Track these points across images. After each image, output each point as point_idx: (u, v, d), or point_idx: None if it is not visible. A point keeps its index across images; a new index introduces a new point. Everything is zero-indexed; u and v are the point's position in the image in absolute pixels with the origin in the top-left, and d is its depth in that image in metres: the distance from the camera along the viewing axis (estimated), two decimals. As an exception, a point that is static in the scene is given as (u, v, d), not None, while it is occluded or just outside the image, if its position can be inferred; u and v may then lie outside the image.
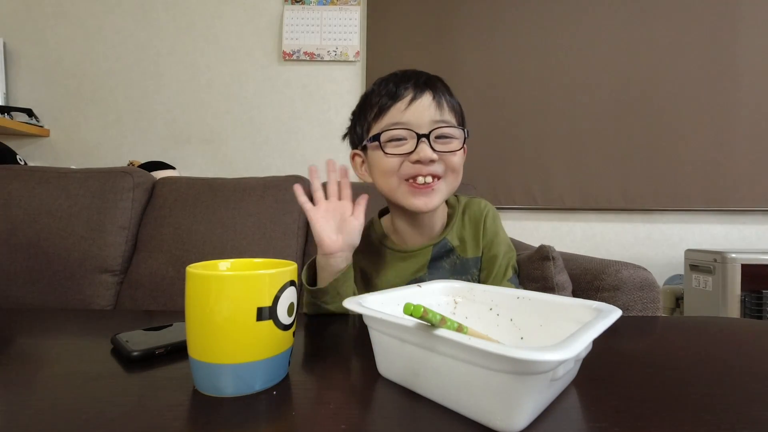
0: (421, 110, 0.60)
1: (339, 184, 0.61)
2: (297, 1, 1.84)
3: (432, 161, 0.59)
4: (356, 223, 0.59)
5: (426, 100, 0.61)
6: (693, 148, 1.75)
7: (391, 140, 0.61)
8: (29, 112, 1.76)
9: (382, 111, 0.62)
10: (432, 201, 0.61)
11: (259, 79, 1.85)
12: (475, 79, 1.76)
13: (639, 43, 1.78)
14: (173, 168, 1.67)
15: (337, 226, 0.59)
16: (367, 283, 0.70)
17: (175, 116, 1.85)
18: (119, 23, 1.85)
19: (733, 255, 1.47)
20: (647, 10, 1.78)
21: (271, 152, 1.85)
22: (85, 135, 1.85)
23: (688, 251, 1.64)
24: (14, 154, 1.53)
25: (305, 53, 1.83)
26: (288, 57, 1.83)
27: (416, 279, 0.68)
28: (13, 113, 1.73)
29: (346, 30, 1.83)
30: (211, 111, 1.85)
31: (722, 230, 1.81)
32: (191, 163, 1.84)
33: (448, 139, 0.62)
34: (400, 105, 0.61)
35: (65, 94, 1.85)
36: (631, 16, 1.78)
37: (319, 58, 1.83)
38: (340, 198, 0.61)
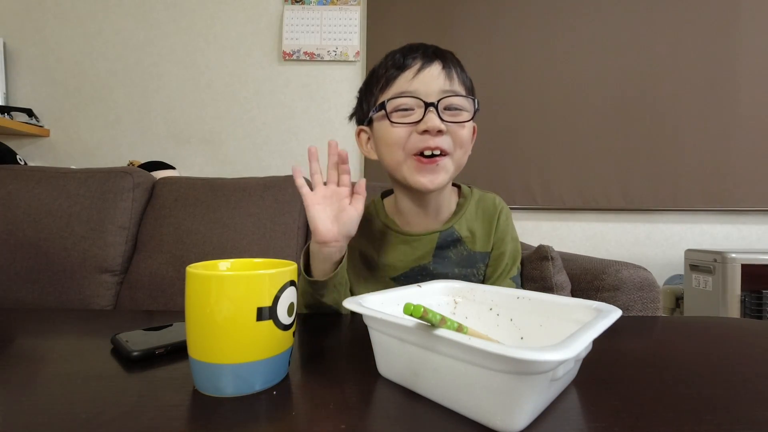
0: (429, 79, 0.58)
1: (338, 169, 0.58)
2: (297, 1, 1.84)
3: (440, 132, 0.57)
4: (354, 213, 0.56)
5: (435, 69, 0.59)
6: (693, 148, 1.75)
7: (397, 109, 0.58)
8: (29, 112, 1.76)
9: (389, 81, 0.60)
10: (437, 178, 0.59)
11: (259, 79, 1.85)
12: (475, 78, 1.74)
13: (639, 43, 1.78)
14: (173, 168, 1.67)
15: (334, 214, 0.56)
16: (368, 266, 0.68)
17: (175, 116, 1.85)
18: (119, 23, 1.85)
19: (733, 255, 1.47)
20: (648, 10, 1.78)
21: (271, 152, 1.85)
22: (85, 135, 1.85)
23: (688, 251, 1.64)
24: (14, 154, 1.53)
25: (305, 53, 1.83)
26: (288, 57, 1.83)
27: (420, 266, 0.66)
28: (13, 113, 1.73)
29: (346, 30, 1.83)
30: (211, 111, 1.85)
31: (722, 230, 1.81)
32: (191, 163, 1.84)
33: (457, 111, 0.59)
34: (408, 74, 0.59)
35: (65, 94, 1.85)
36: (632, 16, 1.78)
37: (319, 58, 1.83)
38: (338, 184, 0.58)
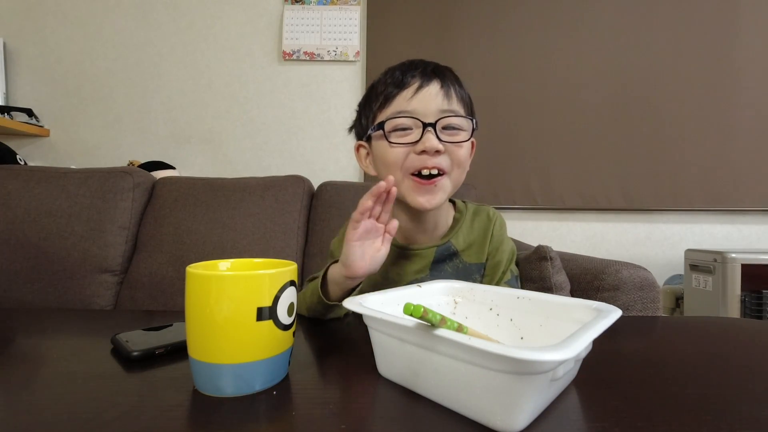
0: (427, 99, 0.59)
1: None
2: (297, 1, 1.84)
3: (438, 152, 0.57)
4: (384, 253, 0.56)
5: (433, 88, 0.59)
6: (693, 148, 1.75)
7: (395, 129, 0.59)
8: (29, 112, 1.76)
9: (388, 100, 0.61)
10: (435, 198, 0.60)
11: (259, 79, 1.85)
12: (475, 78, 1.75)
13: (639, 43, 1.77)
14: (173, 168, 1.67)
15: (366, 251, 0.55)
16: (365, 279, 0.69)
17: (175, 116, 1.85)
18: (119, 23, 1.85)
19: (733, 255, 1.47)
20: (648, 10, 1.78)
21: (271, 152, 1.85)
22: (85, 135, 1.85)
23: (688, 251, 1.64)
24: (14, 154, 1.53)
25: (305, 53, 1.83)
26: (288, 57, 1.83)
27: (417, 280, 0.67)
28: (13, 113, 1.73)
29: (346, 30, 1.83)
30: (211, 111, 1.85)
31: (722, 230, 1.80)
32: (191, 163, 1.84)
33: (455, 131, 0.60)
34: (406, 93, 0.59)
35: (65, 94, 1.85)
36: (632, 16, 1.78)
37: (319, 58, 1.83)
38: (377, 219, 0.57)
